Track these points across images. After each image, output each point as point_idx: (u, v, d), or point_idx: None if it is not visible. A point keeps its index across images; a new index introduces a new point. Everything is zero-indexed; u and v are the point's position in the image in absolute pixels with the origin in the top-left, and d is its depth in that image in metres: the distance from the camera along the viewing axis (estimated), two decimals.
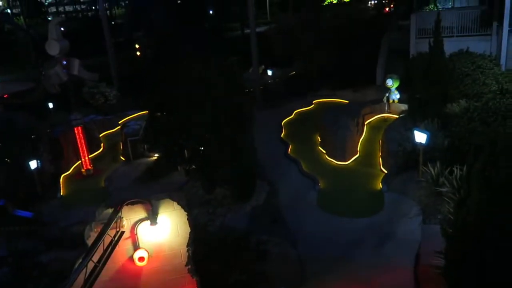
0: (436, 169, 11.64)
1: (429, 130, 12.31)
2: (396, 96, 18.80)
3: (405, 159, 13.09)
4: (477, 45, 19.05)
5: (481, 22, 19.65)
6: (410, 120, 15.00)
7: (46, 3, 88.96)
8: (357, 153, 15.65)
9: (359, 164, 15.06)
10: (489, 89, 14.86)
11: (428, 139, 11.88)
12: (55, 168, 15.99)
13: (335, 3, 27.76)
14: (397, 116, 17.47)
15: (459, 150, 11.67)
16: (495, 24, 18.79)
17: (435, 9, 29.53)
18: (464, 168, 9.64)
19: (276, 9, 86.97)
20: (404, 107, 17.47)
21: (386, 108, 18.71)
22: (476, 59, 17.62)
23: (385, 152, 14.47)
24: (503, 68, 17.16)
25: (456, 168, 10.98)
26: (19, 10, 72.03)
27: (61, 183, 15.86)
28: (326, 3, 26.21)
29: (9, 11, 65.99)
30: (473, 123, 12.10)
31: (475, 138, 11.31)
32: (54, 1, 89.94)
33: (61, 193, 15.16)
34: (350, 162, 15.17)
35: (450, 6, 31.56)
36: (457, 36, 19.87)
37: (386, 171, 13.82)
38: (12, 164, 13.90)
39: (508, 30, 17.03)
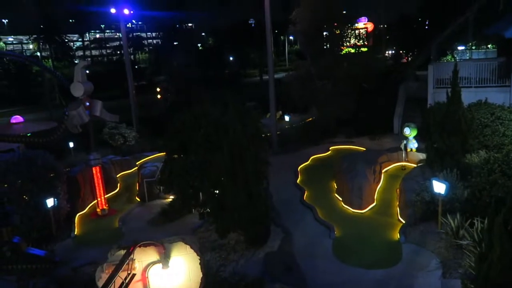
0: (456, 220, 11.32)
1: (448, 180, 12.10)
2: (414, 145, 18.68)
3: (424, 209, 12.79)
4: (496, 96, 19.02)
5: (499, 73, 19.70)
6: (429, 170, 14.80)
7: (74, 47, 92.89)
8: (374, 202, 15.37)
9: (376, 213, 14.75)
10: (509, 140, 14.67)
11: (447, 190, 11.65)
12: (71, 207, 16.08)
13: (353, 52, 28.25)
14: (415, 165, 17.26)
15: (480, 202, 11.38)
16: None
17: (453, 60, 29.86)
18: (486, 221, 9.37)
19: (294, 57, 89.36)
20: (422, 156, 17.29)
21: (403, 156, 18.54)
22: (495, 110, 17.54)
23: (403, 201, 14.19)
24: None
25: (477, 220, 10.66)
26: (48, 53, 75.21)
27: (76, 222, 15.89)
28: (344, 52, 26.70)
29: (38, 54, 69.02)
30: (494, 174, 11.84)
31: (496, 190, 11.04)
32: (81, 45, 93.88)
33: (75, 232, 15.13)
34: (367, 211, 14.88)
35: (467, 57, 31.91)
36: (475, 87, 19.90)
37: (404, 221, 13.49)
38: (29, 201, 14.04)
39: None
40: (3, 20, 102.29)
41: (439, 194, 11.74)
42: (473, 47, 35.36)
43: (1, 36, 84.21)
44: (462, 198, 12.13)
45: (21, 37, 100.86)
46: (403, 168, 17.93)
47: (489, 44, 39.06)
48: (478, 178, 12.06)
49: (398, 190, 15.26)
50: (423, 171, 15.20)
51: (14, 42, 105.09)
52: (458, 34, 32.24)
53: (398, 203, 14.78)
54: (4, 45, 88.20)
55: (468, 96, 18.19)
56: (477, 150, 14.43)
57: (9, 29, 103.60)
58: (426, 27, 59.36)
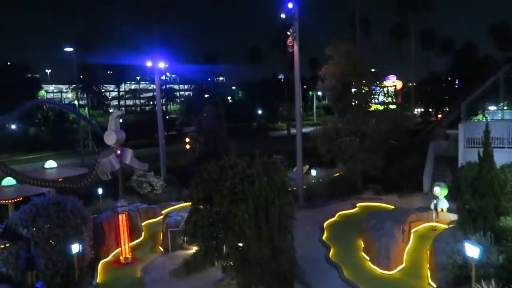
0: (490, 287, 10.70)
1: (481, 244, 11.57)
2: (444, 205, 18.13)
3: (456, 273, 12.19)
4: None
5: None
6: (461, 232, 14.23)
7: (110, 97, 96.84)
8: (403, 263, 14.77)
9: (405, 275, 14.14)
10: None
11: (481, 254, 11.11)
12: (95, 253, 16.12)
13: (381, 109, 28.33)
14: (446, 226, 16.65)
15: None
16: None
17: (484, 120, 29.48)
18: None
19: (322, 111, 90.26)
20: (453, 217, 16.70)
21: (434, 216, 17.98)
22: None
23: (433, 264, 13.58)
24: None
25: None
26: (85, 101, 78.58)
27: (99, 269, 15.85)
28: (372, 109, 26.81)
29: (76, 102, 72.22)
30: None
31: None
32: (116, 95, 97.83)
33: (97, 280, 15.05)
34: (395, 272, 14.28)
35: (499, 117, 31.45)
36: (508, 148, 19.47)
37: (435, 285, 12.86)
38: (55, 246, 14.17)
39: None
40: (46, 70, 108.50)
41: (472, 258, 11.20)
42: (505, 107, 34.90)
43: (43, 85, 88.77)
44: (497, 263, 11.53)
45: (61, 86, 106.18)
46: (433, 229, 17.32)
47: None
48: None
49: (428, 251, 14.67)
50: (455, 232, 14.60)
51: (54, 90, 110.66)
52: (489, 94, 32.08)
53: (428, 266, 14.15)
54: (45, 93, 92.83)
55: (500, 157, 17.78)
56: None
57: (51, 79, 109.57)
58: (456, 86, 59.36)
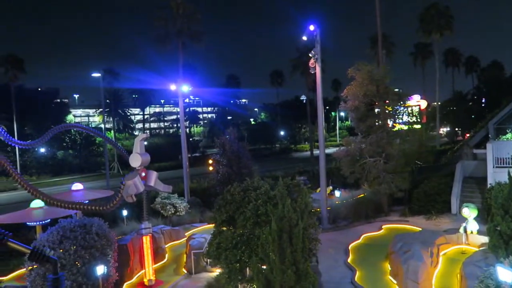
0: None
1: None
2: (474, 227, 17.58)
3: None
4: None
5: None
6: (492, 255, 13.73)
7: (135, 120, 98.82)
8: (432, 287, 14.30)
9: None
10: None
11: None
12: (119, 275, 16.18)
13: (405, 129, 27.96)
14: (476, 249, 16.10)
15: None
16: None
17: None
18: None
19: (345, 132, 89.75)
20: (484, 239, 16.16)
21: (463, 239, 17.43)
22: None
23: None
24: None
25: None
26: (111, 125, 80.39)
27: None
28: (396, 129, 26.48)
29: (102, 126, 73.99)
30: None
31: None
32: (141, 119, 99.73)
33: None
34: None
35: None
36: None
37: None
38: (81, 268, 14.31)
39: None
40: (74, 95, 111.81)
41: (506, 283, 10.76)
42: None
43: (71, 109, 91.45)
44: None
45: (88, 110, 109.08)
46: (463, 252, 16.77)
47: None
48: None
49: (459, 275, 14.17)
50: (486, 256, 14.11)
51: (82, 115, 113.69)
52: None
53: None
54: (73, 117, 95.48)
55: None
56: None
57: (78, 103, 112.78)
58: (483, 105, 58.23)
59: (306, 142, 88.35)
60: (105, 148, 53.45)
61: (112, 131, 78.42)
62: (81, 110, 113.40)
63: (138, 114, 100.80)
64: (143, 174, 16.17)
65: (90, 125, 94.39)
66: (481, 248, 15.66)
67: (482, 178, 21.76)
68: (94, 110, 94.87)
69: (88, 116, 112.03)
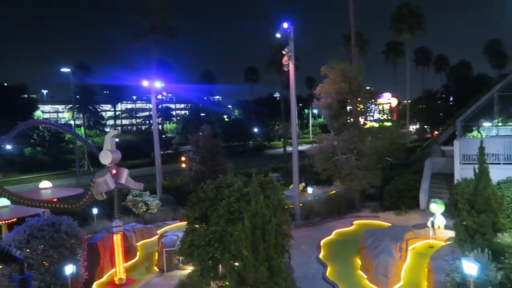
0: None
1: (479, 261, 11.48)
2: (441, 221, 18.08)
3: None
4: None
5: None
6: (458, 249, 14.15)
7: (106, 117, 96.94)
8: (400, 281, 14.63)
9: None
10: None
11: (479, 271, 11.02)
12: (89, 274, 15.86)
13: (377, 127, 28.46)
14: (443, 243, 16.56)
15: None
16: None
17: (479, 136, 29.62)
18: None
19: (318, 129, 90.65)
20: (450, 233, 16.63)
21: (431, 233, 17.90)
22: None
23: (432, 282, 13.44)
24: None
25: None
26: (81, 121, 78.66)
27: None
28: (368, 126, 26.93)
29: (72, 122, 72.33)
30: None
31: None
32: (113, 115, 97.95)
33: None
34: None
35: (494, 134, 31.61)
36: (504, 164, 19.54)
37: None
38: (49, 267, 13.96)
39: None
40: (43, 91, 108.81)
41: (470, 275, 11.10)
42: (500, 124, 35.13)
43: (39, 105, 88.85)
44: (496, 281, 11.43)
45: (57, 106, 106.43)
46: (431, 246, 17.23)
47: None
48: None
49: (426, 269, 14.54)
50: (453, 250, 14.53)
51: (50, 111, 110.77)
52: (484, 110, 32.29)
53: (426, 284, 14.02)
54: (41, 113, 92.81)
55: (496, 173, 17.83)
56: (509, 230, 13.81)
57: (47, 99, 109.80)
58: (451, 103, 59.85)
59: (280, 139, 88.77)
60: (75, 145, 52.32)
61: (82, 128, 76.77)
62: (49, 106, 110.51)
63: (109, 111, 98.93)
64: (114, 171, 15.87)
65: (59, 122, 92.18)
66: (448, 242, 16.11)
67: (449, 174, 22.38)
68: (63, 106, 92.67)
69: (57, 112, 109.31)
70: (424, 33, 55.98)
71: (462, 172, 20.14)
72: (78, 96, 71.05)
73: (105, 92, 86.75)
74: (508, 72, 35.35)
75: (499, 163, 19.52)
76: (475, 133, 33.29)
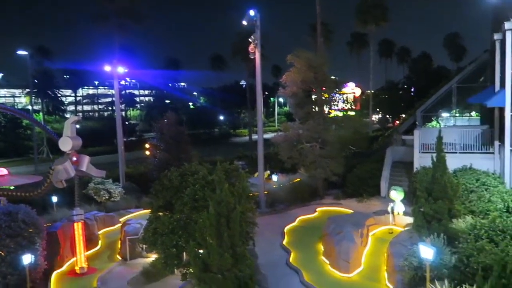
0: (444, 287, 11.07)
1: (435, 245, 11.97)
2: (400, 208, 18.67)
3: (412, 275, 12.53)
4: (480, 163, 19.42)
5: (483, 140, 20.24)
6: (416, 234, 14.69)
7: (66, 102, 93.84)
8: (361, 266, 15.07)
9: (364, 277, 14.41)
10: (495, 206, 14.76)
11: (435, 255, 11.49)
12: (49, 264, 15.45)
13: (341, 116, 28.96)
14: (402, 229, 17.14)
15: (468, 268, 11.23)
16: (497, 143, 19.32)
17: (438, 126, 30.69)
18: None
19: (284, 118, 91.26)
20: (409, 220, 17.23)
21: (391, 220, 18.47)
22: (480, 176, 17.83)
23: (390, 266, 13.93)
24: (507, 186, 17.22)
25: (465, 287, 10.46)
26: (39, 107, 75.83)
27: (52, 280, 15.21)
28: (332, 115, 27.35)
29: (30, 107, 69.61)
30: (480, 241, 11.80)
31: (483, 257, 10.94)
32: (73, 101, 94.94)
33: None
34: (354, 275, 14.53)
35: (452, 124, 32.85)
36: (460, 153, 20.31)
37: (391, 287, 13.17)
38: (5, 257, 13.50)
39: (510, 150, 17.41)
40: None
41: (427, 259, 11.57)
42: (457, 114, 36.50)
43: None
44: (450, 264, 11.96)
45: (14, 90, 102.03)
46: (390, 231, 17.79)
47: (472, 112, 40.46)
48: (465, 244, 11.99)
49: (385, 254, 15.03)
50: (411, 235, 15.07)
51: (6, 95, 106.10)
52: (443, 101, 33.46)
53: (385, 268, 14.50)
54: None
55: (453, 162, 18.53)
56: (464, 216, 14.45)
57: (2, 83, 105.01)
58: (412, 94, 61.54)
59: (246, 127, 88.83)
60: (33, 131, 50.42)
61: (40, 113, 74.02)
62: (5, 90, 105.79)
63: (70, 96, 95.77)
64: (74, 158, 15.47)
65: (16, 107, 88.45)
66: (406, 228, 16.68)
67: (409, 163, 23.05)
68: (20, 90, 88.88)
69: (14, 96, 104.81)
70: (388, 24, 57.12)
71: (421, 160, 20.78)
72: (36, 81, 68.35)
73: (65, 76, 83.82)
74: (465, 65, 36.64)
75: (456, 152, 20.28)
76: (434, 123, 34.49)
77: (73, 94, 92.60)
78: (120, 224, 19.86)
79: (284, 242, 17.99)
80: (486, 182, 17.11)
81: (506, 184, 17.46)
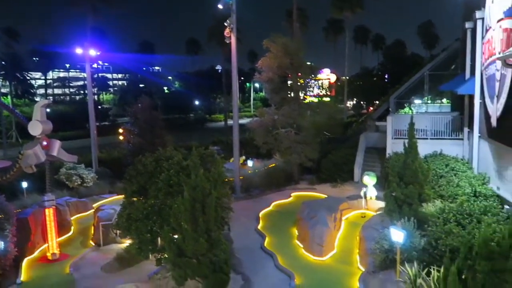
0: (413, 269, 11.42)
1: (406, 229, 12.31)
2: (373, 193, 19.04)
3: (383, 257, 12.88)
4: (450, 148, 19.96)
5: (453, 127, 20.76)
6: (387, 218, 15.04)
7: (36, 85, 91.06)
8: (334, 249, 15.36)
9: (337, 260, 14.72)
10: (463, 191, 15.21)
11: (405, 238, 11.83)
12: (20, 250, 15.15)
13: (316, 102, 29.10)
14: (374, 213, 17.52)
15: (436, 251, 11.60)
16: (466, 129, 19.85)
17: (410, 113, 31.25)
18: (442, 270, 9.52)
19: (259, 103, 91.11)
20: (381, 204, 17.59)
21: (363, 204, 18.84)
22: (450, 161, 18.33)
23: (362, 249, 14.26)
24: (475, 171, 17.77)
25: (434, 269, 10.81)
26: (8, 90, 73.38)
27: (23, 267, 14.94)
28: (307, 101, 27.46)
29: None
30: (448, 224, 12.18)
31: (451, 240, 11.32)
32: (44, 84, 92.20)
33: (22, 279, 14.20)
34: (327, 258, 14.82)
35: (424, 111, 33.51)
36: (431, 139, 20.78)
37: (363, 269, 13.50)
38: None
39: (478, 136, 17.91)
40: None
41: (397, 242, 11.89)
42: (429, 101, 37.25)
43: None
44: (419, 247, 12.33)
45: None
46: (363, 216, 18.15)
47: (443, 99, 41.37)
48: (434, 228, 12.36)
49: (358, 237, 15.36)
50: (382, 219, 15.43)
51: None
52: (415, 88, 34.06)
53: (358, 251, 14.83)
54: None
55: (424, 147, 18.99)
56: (433, 200, 14.87)
57: None
58: (386, 81, 62.31)
59: (221, 113, 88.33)
60: (1, 115, 48.88)
61: (9, 97, 71.66)
62: None
63: (39, 79, 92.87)
64: (45, 143, 15.11)
65: None
66: (378, 212, 17.06)
67: (382, 149, 23.46)
68: None
69: None
70: (363, 11, 57.31)
71: (394, 146, 21.18)
72: (4, 63, 66.00)
73: (34, 59, 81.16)
74: (438, 53, 37.31)
75: (427, 138, 20.74)
76: (406, 109, 35.10)
77: (43, 77, 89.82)
78: (93, 210, 19.61)
79: (259, 227, 18.14)
80: (455, 167, 17.60)
81: (474, 169, 18.01)
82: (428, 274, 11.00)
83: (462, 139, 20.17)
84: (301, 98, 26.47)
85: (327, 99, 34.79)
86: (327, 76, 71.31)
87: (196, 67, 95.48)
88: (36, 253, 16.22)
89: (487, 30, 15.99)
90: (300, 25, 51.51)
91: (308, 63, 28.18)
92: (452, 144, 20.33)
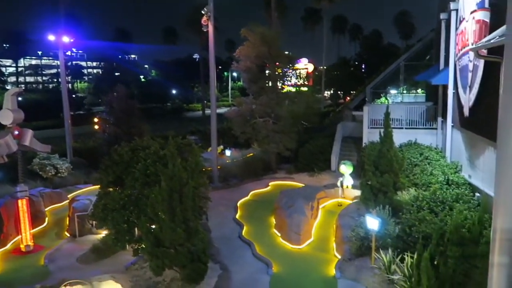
0: (388, 256, 11.70)
1: (381, 216, 12.55)
2: (349, 181, 19.30)
3: (359, 245, 13.13)
4: (424, 138, 20.39)
5: (427, 117, 21.17)
6: (363, 206, 15.30)
7: (6, 73, 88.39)
8: (311, 237, 15.56)
9: (314, 248, 14.91)
10: (436, 179, 15.57)
11: (380, 226, 12.07)
12: None
13: (293, 91, 29.19)
14: (351, 202, 17.79)
15: (410, 237, 11.89)
16: (439, 119, 20.28)
17: (386, 103, 31.73)
18: (415, 256, 9.77)
19: (237, 93, 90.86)
20: (357, 193, 17.88)
21: (340, 193, 19.09)
22: (424, 150, 18.72)
23: (339, 237, 14.48)
24: (448, 160, 18.20)
25: (407, 255, 11.08)
26: None
27: None
28: (285, 91, 27.52)
29: None
30: (422, 211, 12.48)
31: (424, 227, 11.60)
32: (14, 71, 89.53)
33: None
34: (305, 247, 15.00)
35: (399, 101, 34.07)
36: (406, 128, 21.18)
37: (340, 257, 13.73)
38: None
39: (451, 126, 18.32)
40: None
41: (373, 230, 12.13)
42: (404, 91, 37.86)
43: None
44: (394, 234, 12.60)
45: None
46: (339, 204, 18.41)
47: (418, 89, 42.11)
48: (408, 215, 12.64)
49: (334, 226, 15.58)
50: (358, 207, 15.70)
51: None
52: (391, 78, 34.54)
53: (334, 239, 15.06)
54: None
55: (399, 137, 19.34)
56: (408, 188, 15.18)
57: None
58: (363, 70, 62.92)
59: (199, 102, 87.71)
60: None
61: None
62: None
63: (10, 66, 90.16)
64: (16, 132, 14.73)
65: None
66: (354, 201, 17.34)
67: (359, 138, 23.78)
68: None
69: None
70: (341, 1, 57.55)
71: (370, 135, 21.48)
72: None
73: (4, 45, 78.65)
74: (414, 43, 37.84)
75: (402, 128, 21.12)
76: (383, 99, 35.63)
77: (14, 64, 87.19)
78: (68, 201, 19.28)
79: (237, 216, 18.19)
80: (429, 156, 17.99)
81: (447, 158, 18.45)
82: (402, 260, 11.28)
83: (436, 128, 20.62)
84: (279, 87, 26.51)
85: (305, 88, 34.95)
86: (304, 65, 71.52)
87: (173, 56, 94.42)
88: (9, 245, 15.88)
89: (460, 21, 16.28)
90: (278, 15, 51.39)
91: (286, 52, 28.20)
92: (426, 134, 20.77)
